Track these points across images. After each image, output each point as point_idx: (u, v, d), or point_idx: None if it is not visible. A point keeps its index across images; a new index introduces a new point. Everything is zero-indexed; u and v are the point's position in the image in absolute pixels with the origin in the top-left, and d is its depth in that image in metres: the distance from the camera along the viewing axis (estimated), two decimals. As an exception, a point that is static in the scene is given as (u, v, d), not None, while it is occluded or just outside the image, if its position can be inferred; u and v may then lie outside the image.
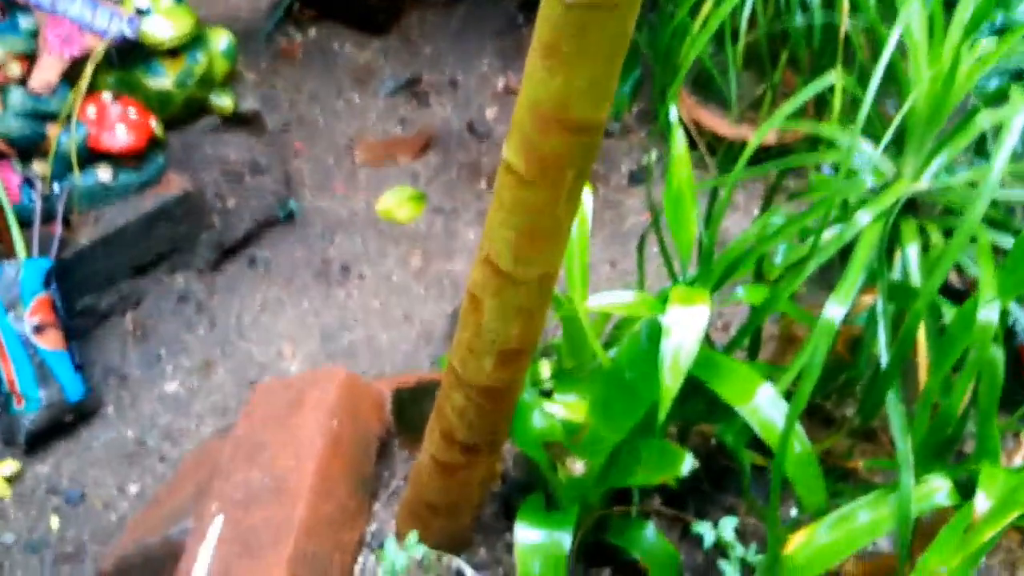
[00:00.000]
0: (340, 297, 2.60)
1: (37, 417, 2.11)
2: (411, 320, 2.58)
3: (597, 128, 0.96)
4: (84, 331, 2.31)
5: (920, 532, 1.34)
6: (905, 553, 1.33)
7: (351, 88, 3.14)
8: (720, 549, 1.66)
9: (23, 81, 2.20)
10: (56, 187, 2.23)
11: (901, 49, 1.46)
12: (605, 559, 1.64)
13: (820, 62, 2.38)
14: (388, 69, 3.19)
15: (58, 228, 2.19)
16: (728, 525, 1.44)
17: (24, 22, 2.21)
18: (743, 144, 1.76)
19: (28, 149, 2.23)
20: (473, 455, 1.40)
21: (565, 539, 1.44)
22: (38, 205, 2.18)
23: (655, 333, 1.48)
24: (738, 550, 1.48)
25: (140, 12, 2.32)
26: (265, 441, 1.57)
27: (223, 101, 2.57)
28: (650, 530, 1.55)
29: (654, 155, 2.99)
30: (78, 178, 2.26)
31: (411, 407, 1.83)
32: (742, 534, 1.55)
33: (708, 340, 1.54)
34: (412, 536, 1.39)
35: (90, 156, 2.27)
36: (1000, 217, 1.47)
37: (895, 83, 1.57)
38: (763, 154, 1.77)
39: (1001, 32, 1.71)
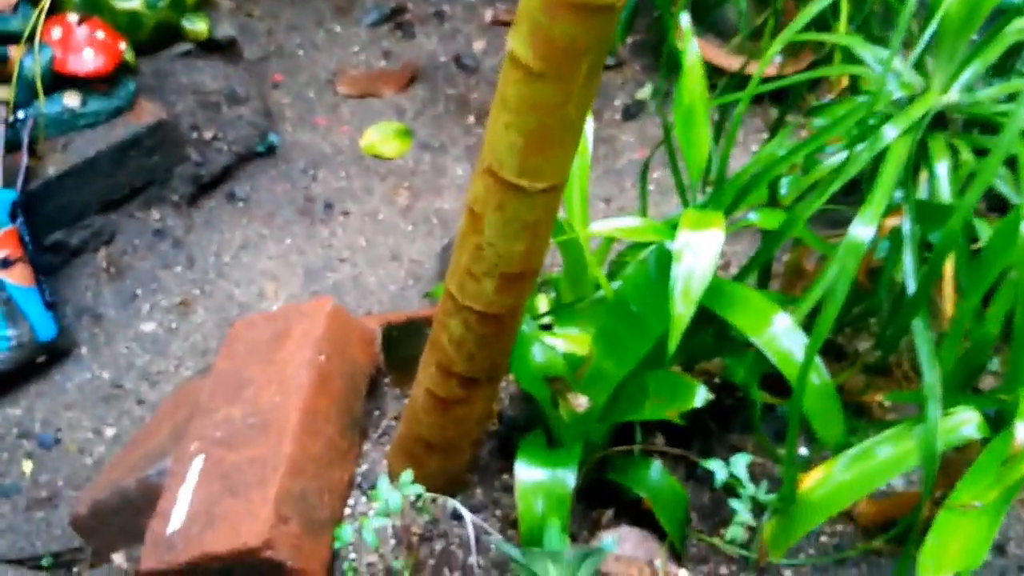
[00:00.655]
0: (324, 235, 2.49)
1: (6, 357, 2.00)
2: (399, 258, 2.48)
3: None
4: (54, 268, 2.20)
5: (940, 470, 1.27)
6: (929, 489, 1.26)
7: (332, 18, 2.99)
8: (727, 489, 1.59)
9: (-19, 0, 2.05)
10: (21, 114, 2.09)
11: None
12: (607, 499, 1.56)
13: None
14: (371, -2, 3.05)
15: (24, 158, 2.06)
16: (740, 462, 1.37)
17: (-20, -64, 2.05)
18: (744, 77, 1.65)
19: (-11, 73, 2.09)
20: (472, 388, 1.31)
21: (569, 477, 1.36)
22: (1, 133, 2.05)
23: (664, 260, 1.39)
24: (749, 489, 1.41)
25: (106, -73, 2.16)
26: (248, 377, 1.48)
27: (196, 26, 2.43)
28: (656, 468, 1.47)
29: (648, 89, 2.88)
30: (44, 104, 2.13)
31: (401, 344, 1.73)
32: (751, 474, 1.47)
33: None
34: (407, 475, 1.30)
35: (56, 81, 2.13)
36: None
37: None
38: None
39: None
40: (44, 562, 1.80)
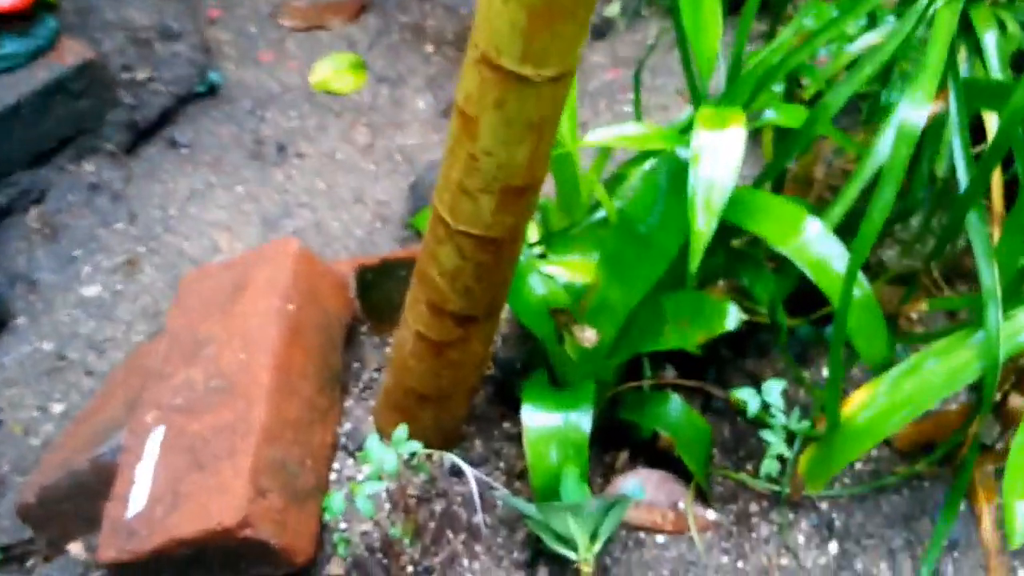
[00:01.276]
0: (279, 179, 2.28)
1: (-68, 335, 1.79)
2: (363, 201, 2.28)
3: None
4: (-21, 233, 1.97)
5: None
6: (989, 402, 1.12)
7: (269, -56, 2.74)
8: (749, 420, 1.45)
9: None
10: (-77, 60, 1.85)
11: None
12: (619, 440, 1.41)
13: None
14: (310, -79, 2.79)
15: (-69, 110, 1.82)
16: (775, 389, 1.22)
17: None
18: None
19: None
20: (468, 327, 1.14)
21: (584, 420, 1.20)
22: (-98, 82, 1.80)
23: (676, 170, 1.23)
24: (780, 418, 1.26)
25: None
26: (206, 334, 1.29)
27: (119, -46, 2.17)
28: (675, 403, 1.32)
29: (617, 5, 2.69)
30: (-50, 48, 1.88)
31: (378, 288, 1.56)
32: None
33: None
34: (400, 431, 1.14)
35: (-38, 21, 1.88)
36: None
37: None
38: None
39: None
40: (-6, 557, 1.61)
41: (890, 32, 1.12)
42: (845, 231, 1.19)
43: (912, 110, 1.02)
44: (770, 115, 1.27)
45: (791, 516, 1.33)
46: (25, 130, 1.97)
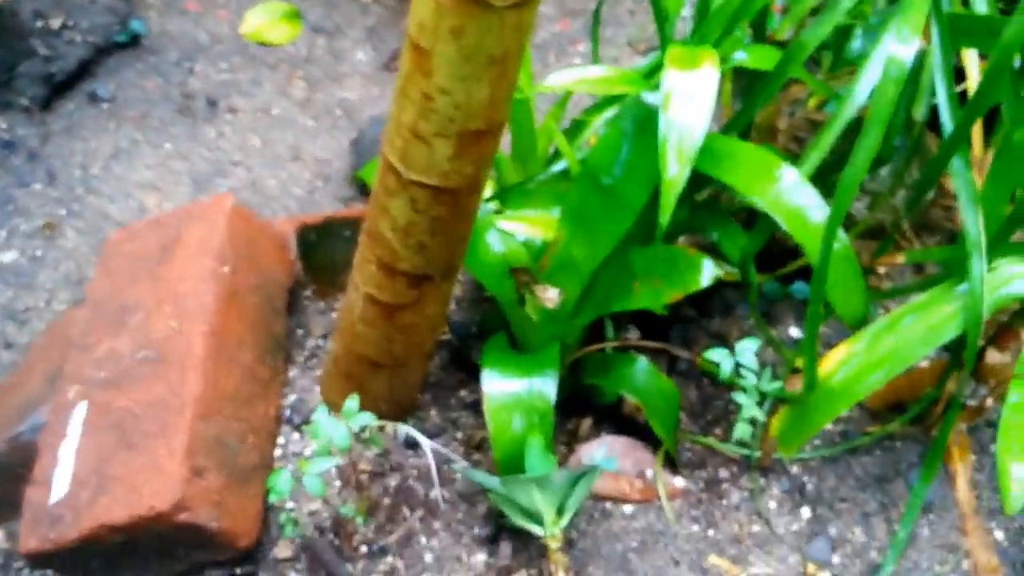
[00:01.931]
0: (210, 136, 2.14)
1: None
2: (302, 158, 2.16)
3: None
4: None
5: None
6: (973, 358, 1.07)
7: None
8: (718, 383, 1.39)
9: None
10: None
11: None
12: (582, 406, 1.34)
13: None
14: None
15: None
16: (748, 349, 1.15)
17: None
18: None
19: None
20: (423, 287, 1.05)
21: (548, 386, 1.12)
22: None
23: (643, 116, 1.14)
24: (751, 379, 1.20)
25: None
26: (133, 300, 1.18)
27: None
28: (642, 365, 1.25)
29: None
30: None
31: (321, 249, 1.45)
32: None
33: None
34: (351, 402, 1.04)
35: None
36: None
37: None
38: None
39: None
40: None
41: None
42: (812, 183, 1.12)
43: (899, 45, 0.95)
44: (740, 56, 1.19)
45: (762, 481, 1.28)
46: (-74, 82, 1.80)
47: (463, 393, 1.34)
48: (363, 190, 1.92)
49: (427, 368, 1.25)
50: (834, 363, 1.14)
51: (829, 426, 1.35)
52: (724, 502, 1.26)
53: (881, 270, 1.49)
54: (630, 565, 1.19)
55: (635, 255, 1.14)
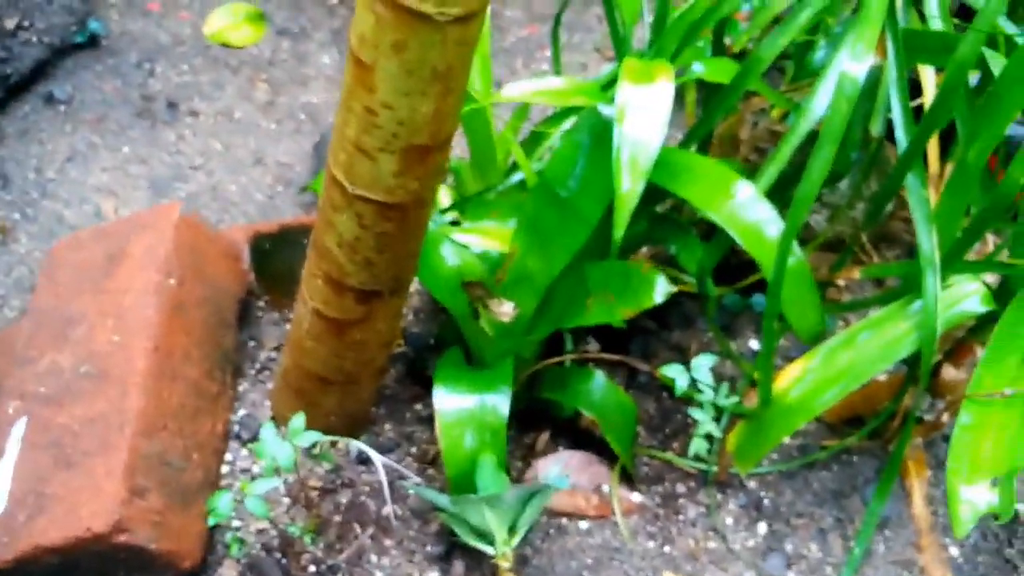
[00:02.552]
0: (170, 139, 2.10)
1: None
2: (263, 162, 2.12)
3: None
4: None
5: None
6: (927, 374, 1.07)
7: None
8: (678, 397, 1.37)
9: None
10: None
11: None
12: (540, 419, 1.33)
13: None
14: None
15: None
16: (704, 365, 1.14)
17: None
18: None
19: None
20: (372, 304, 1.02)
21: (501, 403, 1.11)
22: None
23: (599, 128, 1.13)
24: (709, 394, 1.19)
25: None
26: (76, 312, 1.15)
27: None
28: (598, 380, 1.24)
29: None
30: None
31: (276, 258, 1.43)
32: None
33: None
34: (297, 419, 1.02)
35: None
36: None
37: None
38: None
39: None
40: None
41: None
42: (772, 196, 1.12)
43: (853, 62, 0.94)
44: (698, 69, 1.18)
45: (719, 496, 1.26)
46: None
47: (419, 406, 1.32)
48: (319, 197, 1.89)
49: (380, 383, 1.22)
50: (789, 379, 1.14)
51: (787, 439, 1.34)
52: (680, 517, 1.25)
53: (841, 282, 1.49)
54: (585, 583, 1.17)
55: (590, 270, 1.13)
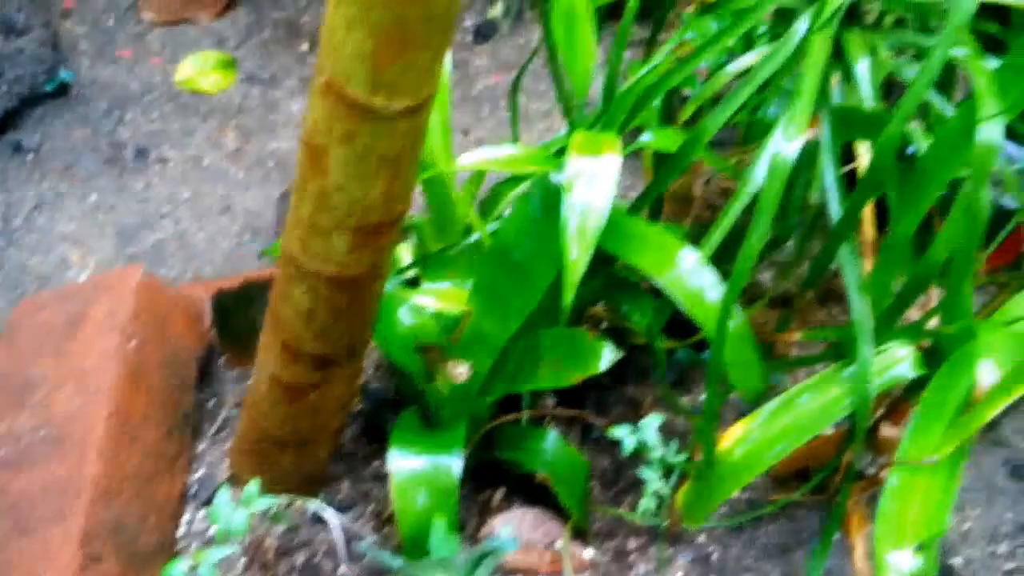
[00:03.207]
0: (138, 187, 2.12)
1: None
2: (231, 210, 2.15)
3: None
4: None
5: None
6: (862, 435, 1.11)
7: (129, -68, 2.55)
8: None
9: None
10: None
11: None
12: (496, 476, 1.35)
13: None
14: (175, -92, 2.62)
15: None
16: (651, 426, 1.18)
17: None
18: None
19: None
20: (327, 370, 1.05)
21: (454, 464, 1.13)
22: None
23: (550, 195, 1.17)
24: (657, 451, 1.22)
25: None
26: (36, 375, 1.16)
27: (-49, -61, 1.98)
28: (551, 439, 1.27)
29: (500, 7, 2.62)
30: None
31: (238, 314, 1.44)
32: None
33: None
34: (252, 485, 1.04)
35: None
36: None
37: None
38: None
39: None
40: None
41: (765, 56, 1.08)
42: (722, 251, 1.16)
43: (785, 143, 0.99)
44: (647, 138, 1.23)
45: (669, 551, 1.30)
46: None
47: (376, 463, 1.34)
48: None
49: (337, 443, 1.25)
50: (733, 439, 1.17)
51: (736, 493, 1.37)
52: (632, 573, 1.27)
53: (791, 339, 1.53)
54: (537, 639, 1.20)
55: (543, 335, 1.16)
